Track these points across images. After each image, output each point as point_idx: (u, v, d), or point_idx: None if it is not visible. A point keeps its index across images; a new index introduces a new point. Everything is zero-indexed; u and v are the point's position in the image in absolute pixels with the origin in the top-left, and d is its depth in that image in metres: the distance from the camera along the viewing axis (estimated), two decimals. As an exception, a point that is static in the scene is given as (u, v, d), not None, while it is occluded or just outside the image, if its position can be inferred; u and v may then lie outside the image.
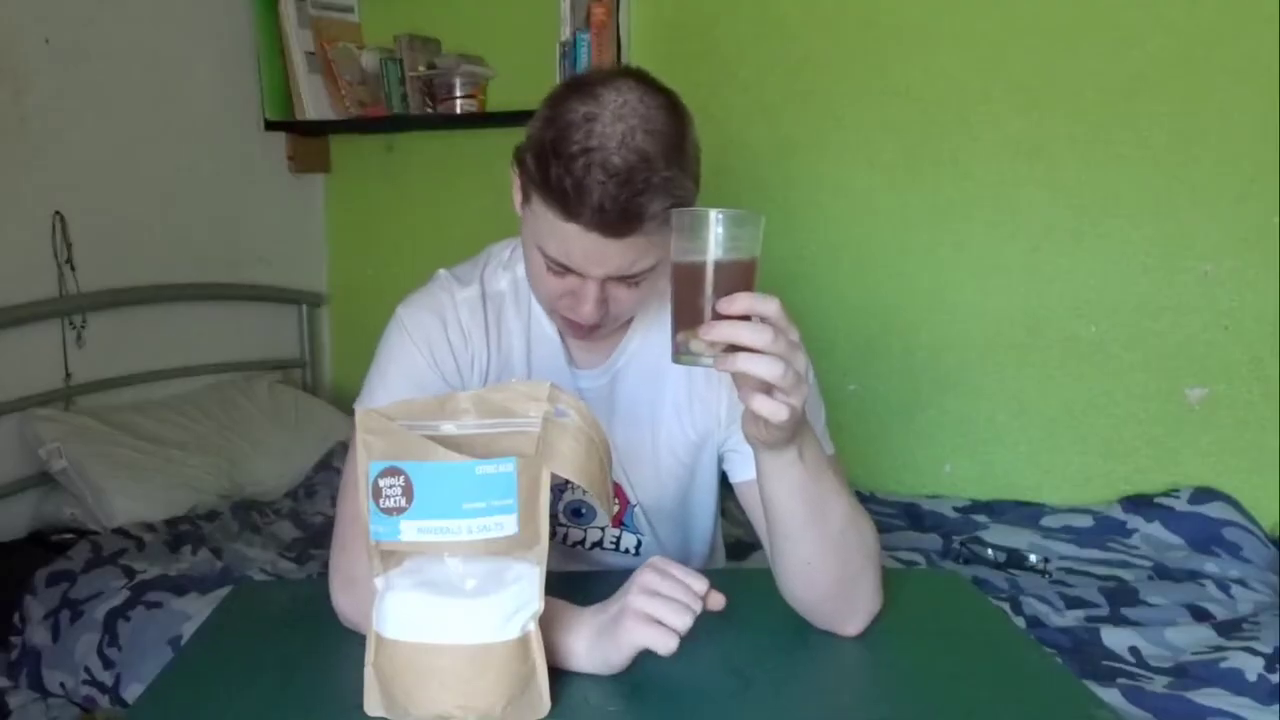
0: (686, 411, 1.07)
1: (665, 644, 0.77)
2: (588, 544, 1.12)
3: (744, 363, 0.74)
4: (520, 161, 0.91)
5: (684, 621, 0.78)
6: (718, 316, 0.75)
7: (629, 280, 0.91)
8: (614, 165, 0.83)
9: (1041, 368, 2.24)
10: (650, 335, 1.06)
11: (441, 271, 1.09)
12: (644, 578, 0.81)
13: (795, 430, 0.81)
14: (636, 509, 1.10)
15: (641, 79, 0.90)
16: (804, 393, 0.77)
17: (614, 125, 0.85)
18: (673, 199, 0.85)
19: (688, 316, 0.77)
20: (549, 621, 0.82)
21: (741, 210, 0.76)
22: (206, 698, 0.82)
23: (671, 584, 0.80)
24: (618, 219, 0.84)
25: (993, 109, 2.20)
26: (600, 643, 0.81)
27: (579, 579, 0.96)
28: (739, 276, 0.76)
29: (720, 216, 0.75)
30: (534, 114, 0.91)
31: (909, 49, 2.25)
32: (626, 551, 1.13)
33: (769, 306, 0.75)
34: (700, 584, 0.81)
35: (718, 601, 0.82)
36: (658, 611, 0.78)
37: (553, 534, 1.09)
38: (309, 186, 2.86)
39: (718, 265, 0.76)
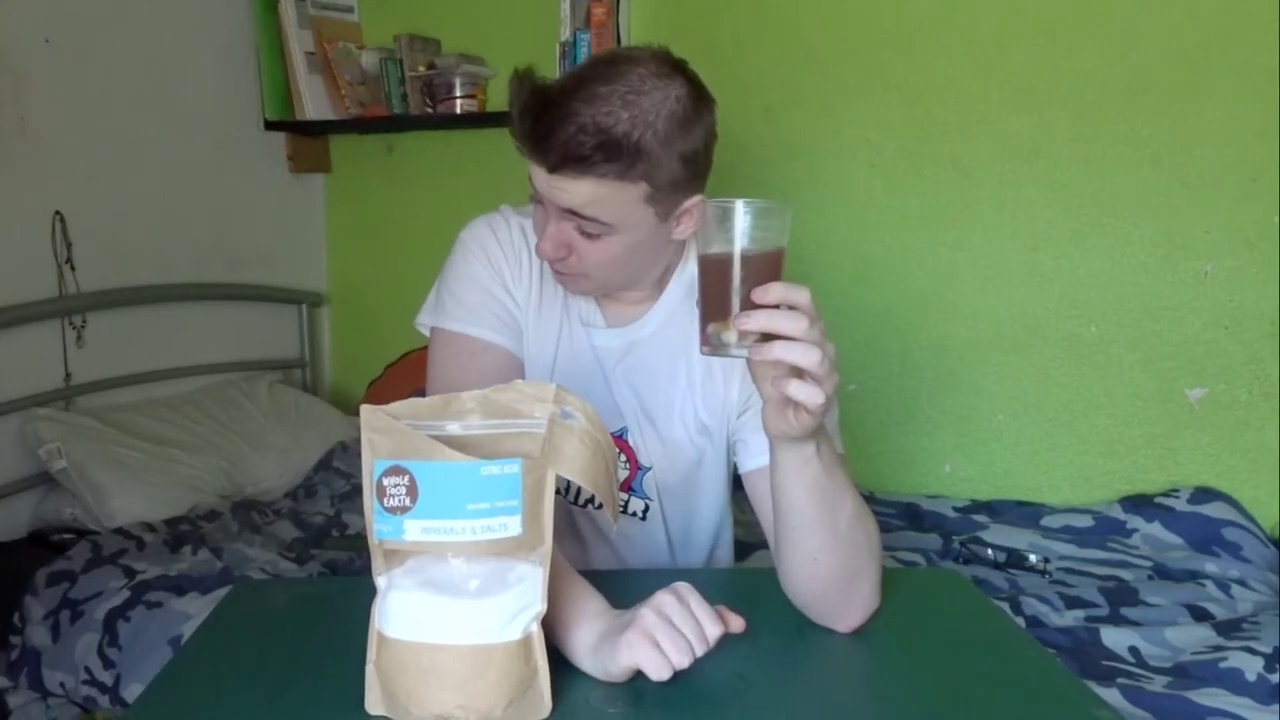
0: (699, 393, 1.09)
1: (658, 671, 0.76)
2: (597, 501, 1.12)
3: (781, 350, 0.75)
4: None
5: (681, 659, 0.77)
6: (750, 306, 0.75)
7: (583, 227, 0.95)
8: (570, 112, 0.89)
9: (1041, 368, 2.24)
10: (676, 313, 1.09)
11: (503, 205, 1.14)
12: (663, 600, 0.80)
13: (819, 422, 0.81)
14: (647, 475, 1.12)
15: (674, 67, 0.94)
16: (835, 380, 0.78)
17: (598, 86, 0.90)
18: (622, 164, 0.90)
19: (717, 308, 0.77)
20: (564, 603, 0.83)
21: (769, 201, 0.76)
22: (206, 698, 0.82)
23: (686, 617, 0.79)
24: (558, 158, 0.90)
25: (993, 109, 2.20)
26: (603, 647, 0.81)
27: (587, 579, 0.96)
28: (768, 267, 0.77)
29: (748, 207, 0.75)
30: None
31: (909, 49, 2.25)
32: (634, 514, 1.14)
33: (801, 295, 0.76)
34: (714, 629, 0.79)
35: (738, 625, 0.81)
36: (661, 638, 0.77)
37: (563, 486, 1.11)
38: (309, 186, 2.86)
39: (746, 257, 0.76)
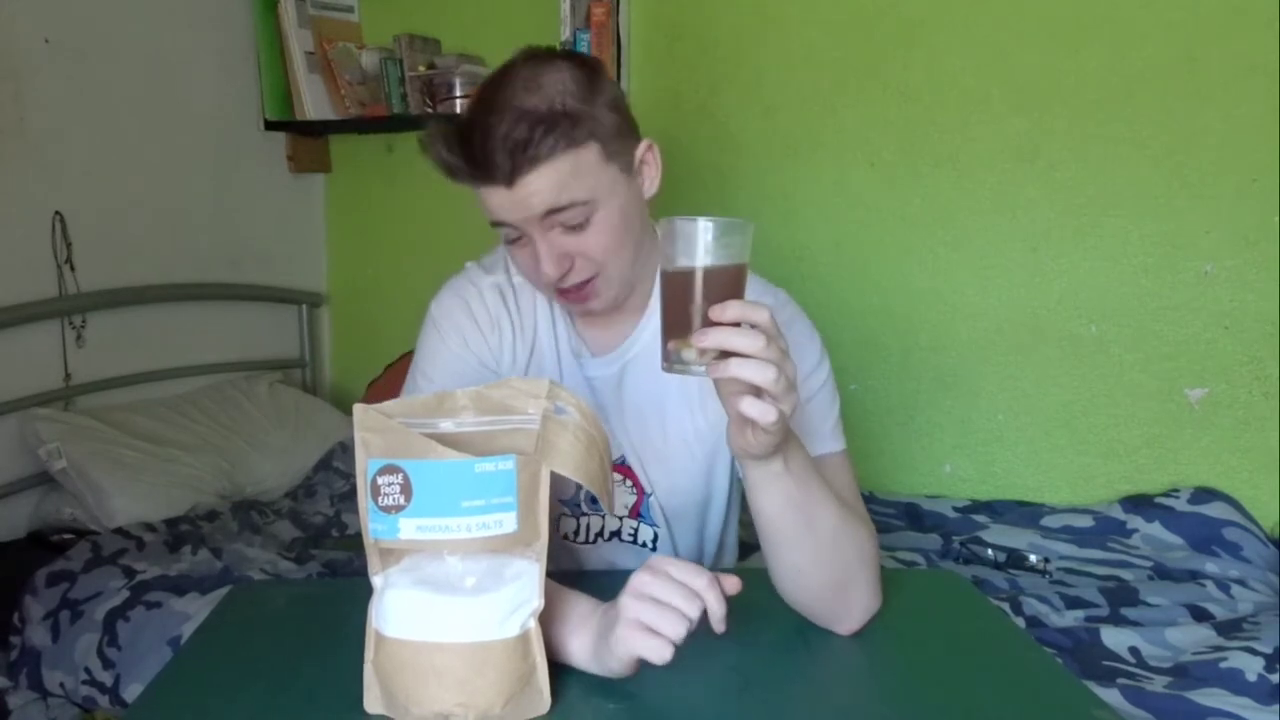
0: (698, 406, 1.08)
1: (659, 653, 0.75)
2: (606, 534, 1.12)
3: (736, 368, 0.74)
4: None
5: (678, 630, 0.75)
6: (709, 323, 0.75)
7: (567, 219, 0.95)
8: (490, 123, 0.91)
9: (1041, 368, 2.24)
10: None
11: (468, 263, 1.14)
12: (640, 580, 0.78)
13: (782, 439, 0.81)
14: (652, 499, 1.10)
15: (549, 54, 0.97)
16: (793, 400, 0.77)
17: (497, 94, 0.93)
18: (561, 132, 0.91)
19: (678, 325, 0.77)
20: (555, 616, 0.82)
21: (730, 218, 0.75)
22: (206, 698, 0.82)
23: (668, 586, 0.76)
24: (509, 162, 0.90)
25: (993, 109, 2.20)
26: (600, 647, 0.80)
27: (586, 578, 0.96)
28: (729, 284, 0.76)
29: (709, 225, 0.75)
30: None
31: (909, 49, 2.25)
32: (644, 545, 1.13)
33: (760, 314, 0.75)
34: (700, 580, 0.76)
35: (733, 585, 0.78)
36: (651, 619, 0.75)
37: (574, 529, 1.10)
38: (309, 186, 2.86)
39: (707, 274, 0.75)
